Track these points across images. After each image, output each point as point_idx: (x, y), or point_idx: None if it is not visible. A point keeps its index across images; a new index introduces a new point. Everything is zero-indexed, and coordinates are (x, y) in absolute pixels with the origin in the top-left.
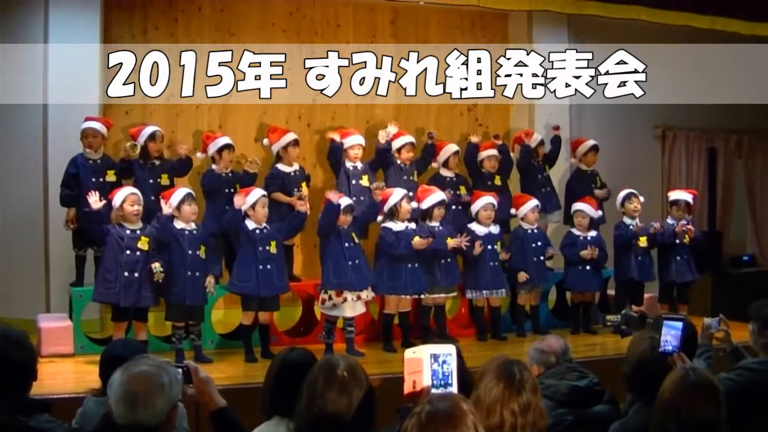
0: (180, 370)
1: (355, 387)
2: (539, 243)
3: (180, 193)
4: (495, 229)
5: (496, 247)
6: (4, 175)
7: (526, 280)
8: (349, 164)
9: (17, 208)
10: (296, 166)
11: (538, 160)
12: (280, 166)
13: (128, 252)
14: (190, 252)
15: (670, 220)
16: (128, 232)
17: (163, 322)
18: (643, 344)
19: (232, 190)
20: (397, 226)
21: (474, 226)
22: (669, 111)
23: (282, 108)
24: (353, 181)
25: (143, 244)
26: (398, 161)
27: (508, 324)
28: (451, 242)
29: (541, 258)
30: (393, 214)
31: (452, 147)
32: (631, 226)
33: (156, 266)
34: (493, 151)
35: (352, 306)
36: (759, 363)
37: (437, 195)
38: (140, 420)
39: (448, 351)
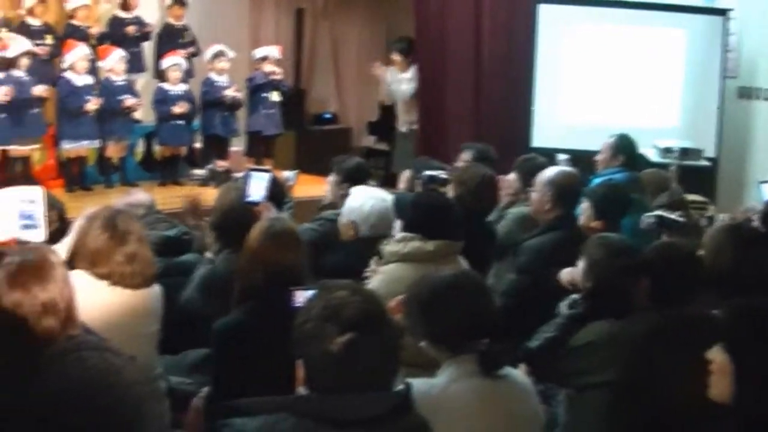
0: None
1: None
2: (125, 95)
3: None
4: (90, 80)
5: (91, 97)
6: None
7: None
8: None
9: None
10: None
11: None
12: None
13: None
14: None
15: (257, 74)
16: None
17: None
18: (230, 194)
19: None
20: None
21: (70, 76)
22: None
23: None
24: None
25: None
26: None
27: (95, 175)
28: (39, 91)
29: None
30: None
31: None
32: (218, 83)
33: None
34: (86, 1)
35: None
36: (338, 214)
37: (23, 43)
38: None
39: (34, 193)
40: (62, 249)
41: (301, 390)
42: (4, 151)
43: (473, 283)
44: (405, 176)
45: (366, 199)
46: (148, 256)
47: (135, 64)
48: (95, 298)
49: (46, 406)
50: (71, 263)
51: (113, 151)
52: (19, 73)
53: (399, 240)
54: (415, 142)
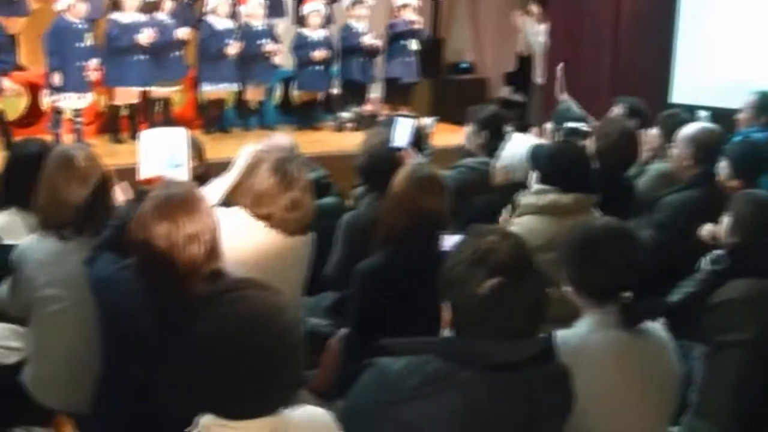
0: None
1: (93, 175)
2: (266, 39)
3: None
4: (231, 24)
5: (231, 40)
6: None
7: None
8: None
9: None
10: None
11: None
12: None
13: None
14: None
15: (397, 21)
16: None
17: None
18: (376, 139)
19: None
20: (124, 17)
21: (211, 20)
22: None
23: None
24: None
25: None
26: None
27: (233, 118)
28: (183, 34)
29: (267, 54)
30: (117, 4)
31: None
32: (356, 29)
33: None
34: None
35: (79, 97)
36: (477, 162)
37: None
38: None
39: (178, 133)
40: (212, 187)
41: (446, 333)
42: (145, 92)
43: (626, 234)
44: (543, 129)
45: (521, 147)
46: (310, 205)
47: (275, 9)
48: (251, 238)
49: (207, 343)
50: (230, 200)
51: (252, 94)
52: (162, 16)
53: (536, 192)
54: (544, 95)
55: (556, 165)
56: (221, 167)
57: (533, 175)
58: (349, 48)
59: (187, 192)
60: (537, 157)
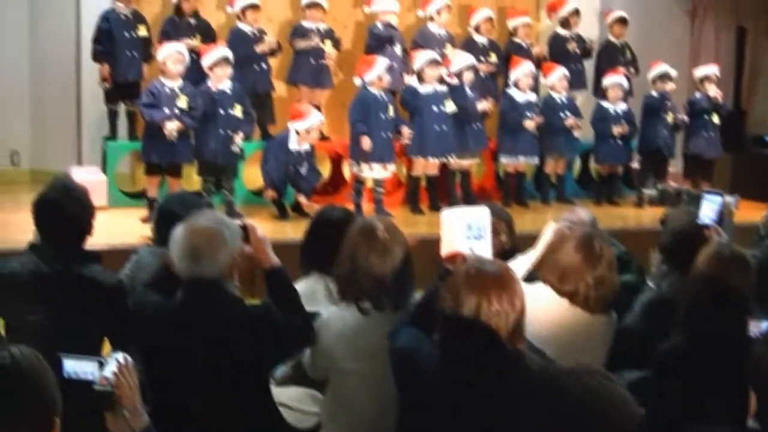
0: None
1: (396, 248)
2: (567, 112)
3: (213, 55)
4: (533, 97)
5: (532, 113)
6: (38, 31)
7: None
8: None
9: (51, 64)
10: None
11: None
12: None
13: (166, 109)
14: (222, 111)
15: (699, 95)
16: (167, 89)
17: (195, 176)
18: (684, 218)
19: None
20: (423, 88)
21: (513, 92)
22: None
23: None
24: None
25: (182, 102)
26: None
27: (530, 191)
28: (483, 106)
29: (569, 127)
30: (419, 76)
31: (485, 11)
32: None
33: (170, 125)
34: (526, 19)
35: (383, 167)
36: None
37: (466, 58)
38: (203, 273)
39: (481, 211)
40: (517, 263)
41: (752, 422)
42: (444, 163)
43: None
44: None
45: None
46: (614, 283)
47: (576, 81)
48: (554, 314)
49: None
50: (535, 275)
51: (552, 167)
52: (463, 87)
53: None
54: None
55: None
56: (520, 241)
57: None
58: (652, 115)
59: (500, 269)
60: None
